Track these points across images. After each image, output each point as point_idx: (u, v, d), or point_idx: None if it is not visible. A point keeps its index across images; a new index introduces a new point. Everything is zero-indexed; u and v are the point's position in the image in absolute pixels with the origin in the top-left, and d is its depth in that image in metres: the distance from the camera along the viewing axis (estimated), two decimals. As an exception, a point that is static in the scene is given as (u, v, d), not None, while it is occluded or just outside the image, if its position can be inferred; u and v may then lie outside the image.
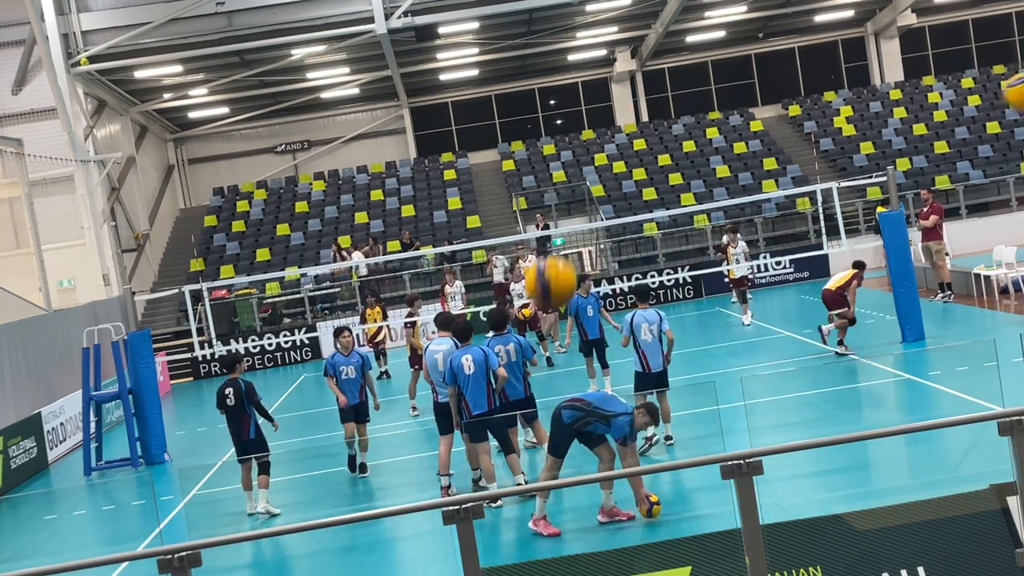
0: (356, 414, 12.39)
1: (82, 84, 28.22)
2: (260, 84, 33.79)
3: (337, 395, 12.34)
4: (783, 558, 5.74)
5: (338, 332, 12.54)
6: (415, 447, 13.85)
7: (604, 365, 14.99)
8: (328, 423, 16.69)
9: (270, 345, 26.19)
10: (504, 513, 10.06)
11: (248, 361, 26.10)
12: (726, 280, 25.55)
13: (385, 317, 20.48)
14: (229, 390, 11.24)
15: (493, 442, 10.39)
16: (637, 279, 25.91)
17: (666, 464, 6.64)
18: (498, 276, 25.04)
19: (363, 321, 20.09)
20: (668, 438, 11.72)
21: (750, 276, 22.21)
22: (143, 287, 29.79)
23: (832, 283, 15.94)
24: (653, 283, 26.29)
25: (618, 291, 26.80)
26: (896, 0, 35.63)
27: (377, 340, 20.11)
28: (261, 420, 11.46)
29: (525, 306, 19.00)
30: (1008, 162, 30.50)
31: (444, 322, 11.45)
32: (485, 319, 11.95)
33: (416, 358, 16.20)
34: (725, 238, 21.94)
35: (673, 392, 14.58)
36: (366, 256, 28.42)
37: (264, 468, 11.20)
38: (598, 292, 17.16)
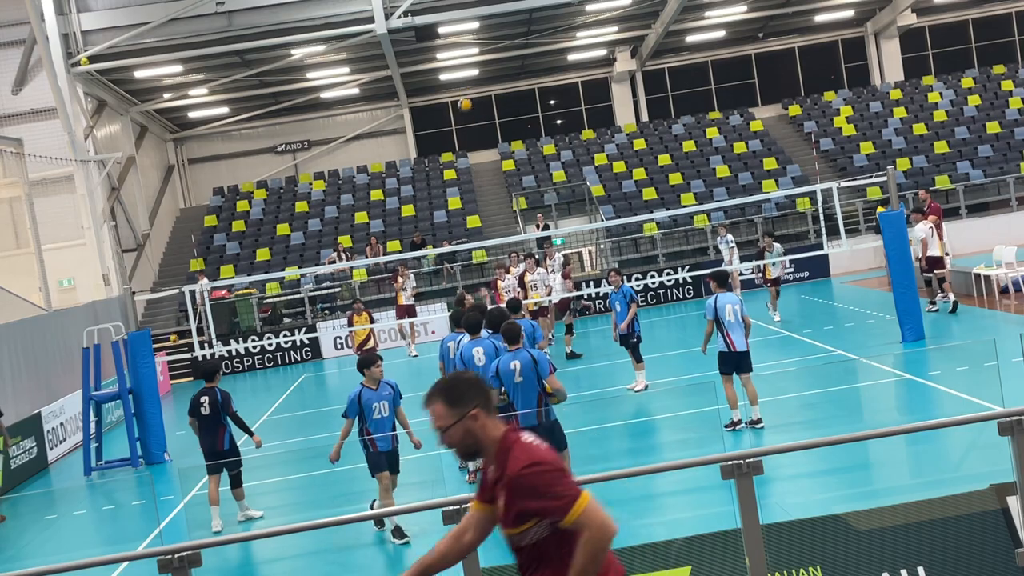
0: (389, 463, 9.95)
1: (82, 84, 28.21)
2: (260, 84, 33.79)
3: (335, 447, 10.01)
4: (783, 558, 5.73)
5: (370, 362, 10.00)
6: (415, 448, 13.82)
7: (637, 360, 14.96)
8: (328, 423, 16.69)
9: (270, 345, 26.19)
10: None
11: (248, 361, 26.14)
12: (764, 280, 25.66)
13: (372, 322, 20.48)
14: (204, 399, 10.94)
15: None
16: (638, 278, 25.93)
17: (666, 464, 6.63)
18: (406, 297, 23.40)
19: (351, 324, 20.07)
20: (756, 422, 11.76)
21: (783, 276, 22.60)
22: (143, 287, 29.80)
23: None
24: (653, 283, 26.30)
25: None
26: (896, 0, 35.64)
27: (367, 347, 20.10)
28: (243, 435, 11.16)
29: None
30: (1008, 162, 30.50)
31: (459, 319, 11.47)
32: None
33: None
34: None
35: (673, 392, 14.61)
36: (368, 256, 28.48)
37: (237, 481, 10.98)
38: (632, 288, 16.89)
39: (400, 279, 23.16)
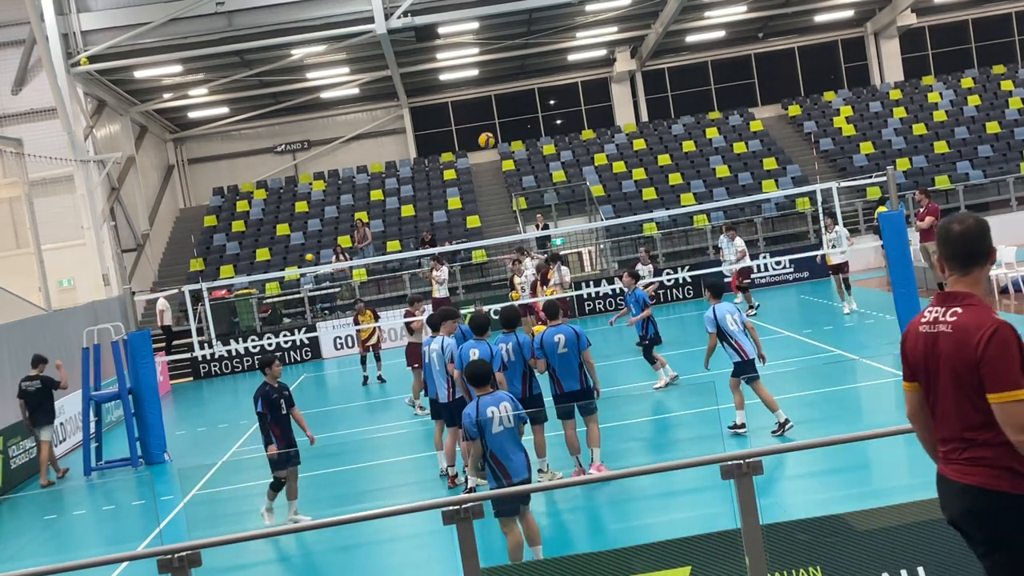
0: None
1: (82, 84, 28.21)
2: (260, 84, 33.80)
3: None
4: (783, 558, 5.74)
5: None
6: (415, 447, 13.84)
7: (650, 361, 15.01)
8: (327, 423, 16.69)
9: (270, 345, 26.18)
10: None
11: (248, 361, 26.14)
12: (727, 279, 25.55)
13: (376, 319, 20.53)
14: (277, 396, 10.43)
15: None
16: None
17: (666, 464, 6.64)
18: (440, 290, 23.73)
19: (356, 323, 20.11)
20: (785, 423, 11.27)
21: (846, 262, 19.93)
22: (143, 287, 29.80)
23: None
24: (652, 282, 26.27)
25: (617, 291, 26.76)
26: (896, 0, 35.65)
27: (370, 343, 20.13)
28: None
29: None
30: (1008, 162, 30.51)
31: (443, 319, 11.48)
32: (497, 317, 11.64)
33: (415, 357, 15.65)
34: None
35: (673, 392, 14.62)
36: (353, 241, 28.61)
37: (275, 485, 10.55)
38: (645, 292, 16.17)
39: (435, 271, 23.28)
